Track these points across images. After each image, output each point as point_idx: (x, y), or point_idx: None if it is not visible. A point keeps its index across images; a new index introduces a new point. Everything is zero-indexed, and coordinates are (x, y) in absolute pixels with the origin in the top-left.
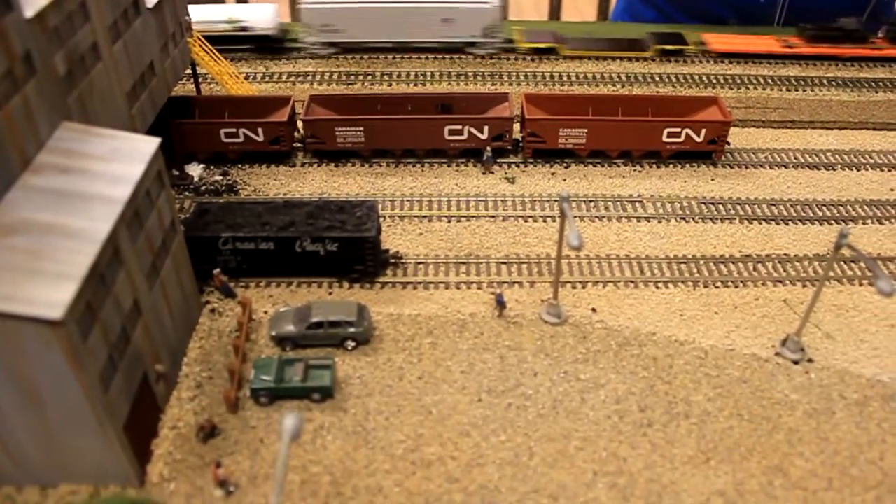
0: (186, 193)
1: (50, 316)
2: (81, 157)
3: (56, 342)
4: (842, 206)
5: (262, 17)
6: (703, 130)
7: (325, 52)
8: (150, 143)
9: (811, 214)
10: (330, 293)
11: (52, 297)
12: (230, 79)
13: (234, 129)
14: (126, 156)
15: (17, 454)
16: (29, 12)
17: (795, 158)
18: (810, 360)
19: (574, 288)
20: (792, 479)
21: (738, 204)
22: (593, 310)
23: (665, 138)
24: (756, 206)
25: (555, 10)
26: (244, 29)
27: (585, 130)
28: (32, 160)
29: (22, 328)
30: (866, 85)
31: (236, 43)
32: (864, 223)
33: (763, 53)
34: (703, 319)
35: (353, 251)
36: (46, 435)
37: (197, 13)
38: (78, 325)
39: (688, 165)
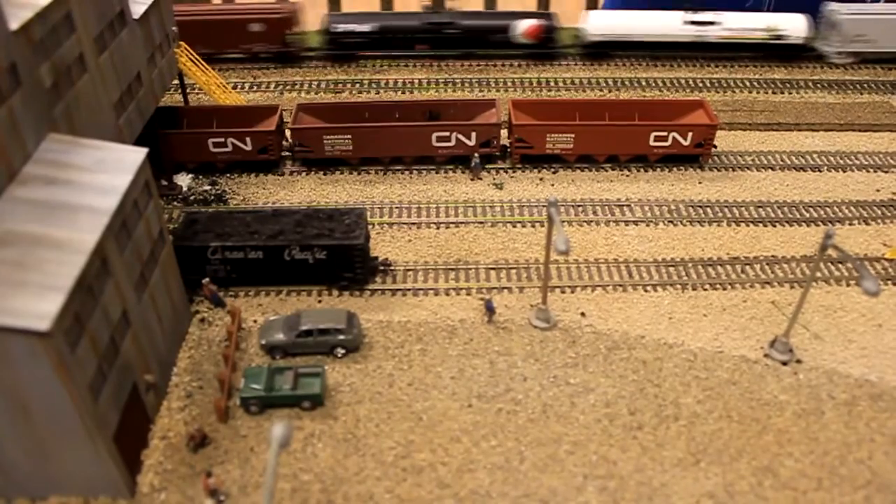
0: (175, 203)
1: (37, 327)
2: (68, 169)
3: (44, 353)
4: (828, 207)
5: (797, 26)
6: (690, 134)
7: (845, 61)
8: (138, 154)
9: (798, 216)
10: (319, 301)
11: (40, 308)
12: (218, 89)
13: (222, 139)
14: (113, 166)
15: (6, 466)
16: (14, 24)
17: (782, 160)
18: (799, 361)
19: (563, 292)
20: (782, 480)
21: (726, 206)
22: (582, 314)
23: (652, 142)
24: (743, 209)
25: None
26: (780, 37)
27: (573, 136)
28: (19, 172)
29: (9, 340)
30: (851, 87)
31: (764, 50)
32: (850, 224)
33: None
34: (692, 322)
35: (342, 259)
36: (36, 447)
37: (733, 21)
38: (66, 337)
39: (675, 169)
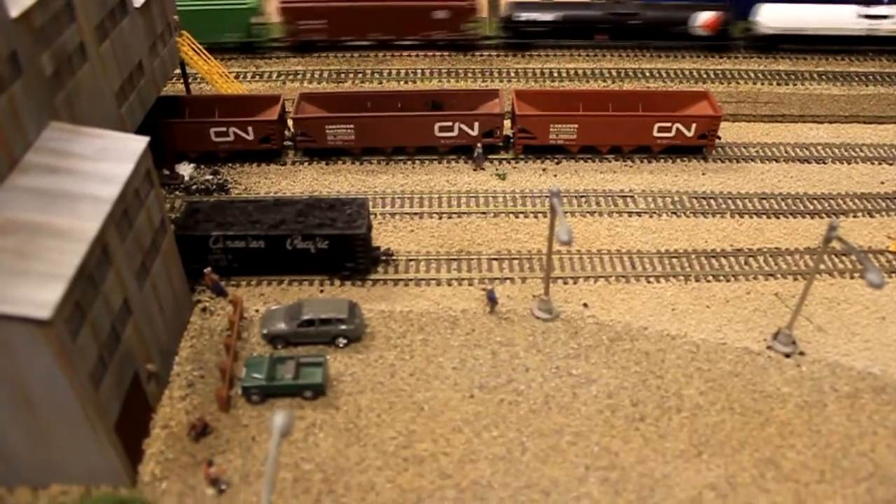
0: (177, 193)
1: (38, 316)
2: (69, 157)
3: (45, 342)
4: (832, 199)
5: None
6: (694, 125)
7: None
8: (139, 143)
9: (802, 208)
10: (321, 291)
11: (41, 296)
12: (220, 78)
13: (224, 128)
14: (114, 155)
15: (7, 455)
16: (14, 12)
17: (786, 152)
18: (802, 353)
19: (566, 283)
20: (784, 472)
21: (730, 198)
22: (585, 305)
23: (656, 133)
24: (747, 200)
25: None
26: None
27: (576, 126)
28: (20, 160)
29: (10, 328)
30: (856, 79)
31: None
32: (854, 216)
33: None
34: (695, 313)
35: (344, 249)
36: (37, 435)
37: None
38: (67, 325)
39: (679, 160)
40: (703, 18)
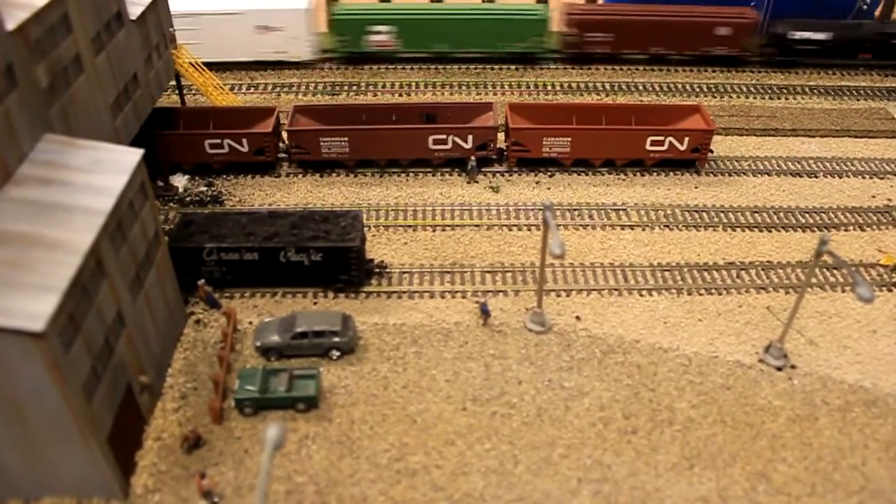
0: (171, 204)
1: (31, 328)
2: (64, 169)
3: (38, 354)
4: (824, 213)
5: None
6: (687, 139)
7: None
8: (133, 155)
9: (794, 221)
10: (315, 303)
11: (34, 308)
12: (215, 90)
13: (218, 140)
14: (109, 167)
15: None
16: (10, 25)
17: (778, 166)
18: (793, 367)
19: (558, 296)
20: (775, 485)
21: (722, 211)
22: (577, 318)
23: (648, 147)
24: (739, 214)
25: None
26: None
27: (569, 139)
28: (14, 172)
29: (3, 340)
30: (848, 93)
31: None
32: (845, 230)
33: None
34: (687, 327)
35: (338, 261)
36: (29, 448)
37: None
38: (60, 337)
39: (671, 173)
40: None
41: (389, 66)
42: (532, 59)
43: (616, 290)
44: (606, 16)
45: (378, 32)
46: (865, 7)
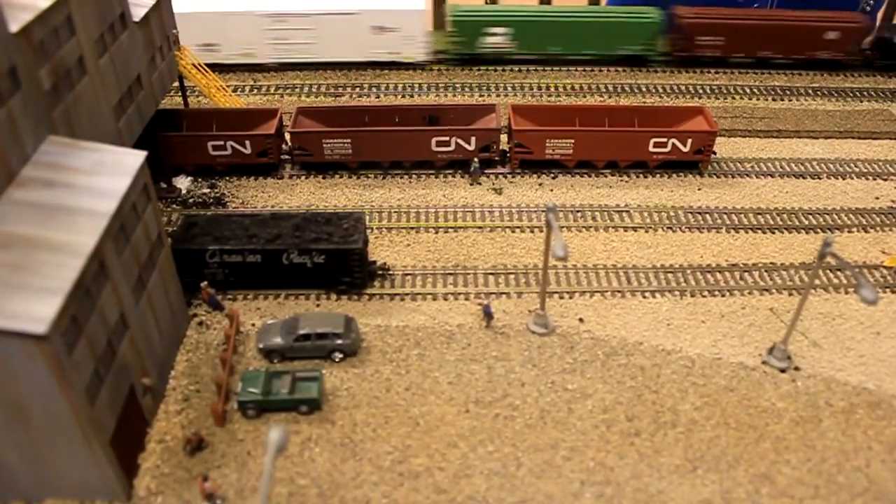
0: (174, 206)
1: (34, 330)
2: (67, 171)
3: (41, 356)
4: (827, 214)
5: None
6: (690, 140)
7: None
8: (136, 157)
9: (797, 223)
10: (317, 305)
11: (37, 311)
12: (218, 91)
13: (221, 142)
14: (112, 169)
15: (1, 469)
16: (14, 27)
17: (781, 168)
18: (797, 369)
19: (561, 298)
20: (779, 487)
21: (725, 213)
22: (580, 320)
23: (651, 148)
24: (742, 216)
25: None
26: None
27: (572, 141)
28: (17, 174)
29: (6, 343)
30: (851, 94)
31: None
32: (849, 231)
33: None
34: (690, 328)
35: (341, 263)
36: (32, 450)
37: None
38: (63, 339)
39: (674, 175)
40: None
41: (504, 68)
42: (643, 62)
43: (619, 291)
44: (718, 19)
45: (495, 34)
46: (869, 8)
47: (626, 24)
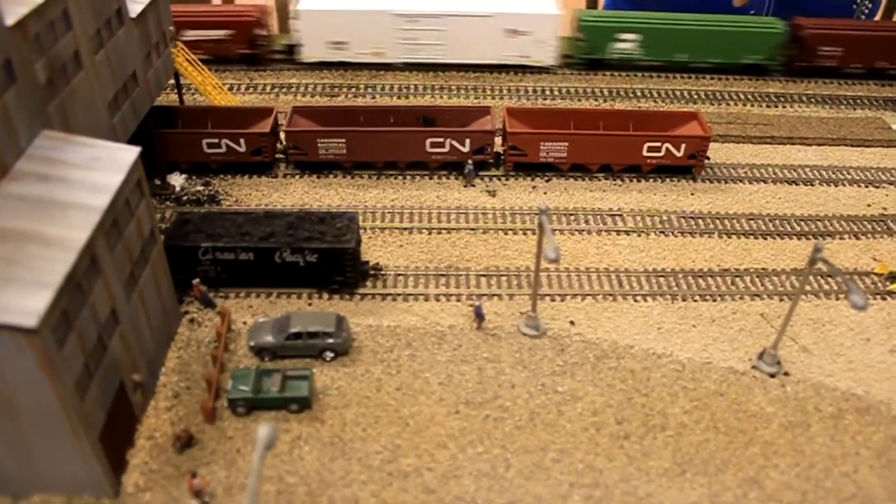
0: (168, 203)
1: (24, 324)
2: (61, 166)
3: (30, 350)
4: (819, 221)
5: None
6: (684, 145)
7: None
8: (130, 153)
9: (789, 229)
10: (309, 304)
11: (27, 304)
12: (213, 89)
13: (216, 140)
14: (106, 165)
15: None
16: (10, 20)
17: (774, 174)
18: (786, 374)
19: (553, 301)
20: (767, 492)
21: (717, 218)
22: (572, 322)
23: (645, 153)
24: (735, 221)
25: None
26: None
27: (566, 144)
28: (11, 168)
29: None
30: (844, 102)
31: None
32: (841, 238)
33: None
34: (681, 333)
35: (333, 262)
36: (20, 444)
37: None
38: (53, 334)
39: (668, 180)
40: None
41: (630, 73)
42: (764, 71)
43: (611, 295)
44: (838, 30)
45: (625, 40)
46: (867, 10)
47: (751, 34)
